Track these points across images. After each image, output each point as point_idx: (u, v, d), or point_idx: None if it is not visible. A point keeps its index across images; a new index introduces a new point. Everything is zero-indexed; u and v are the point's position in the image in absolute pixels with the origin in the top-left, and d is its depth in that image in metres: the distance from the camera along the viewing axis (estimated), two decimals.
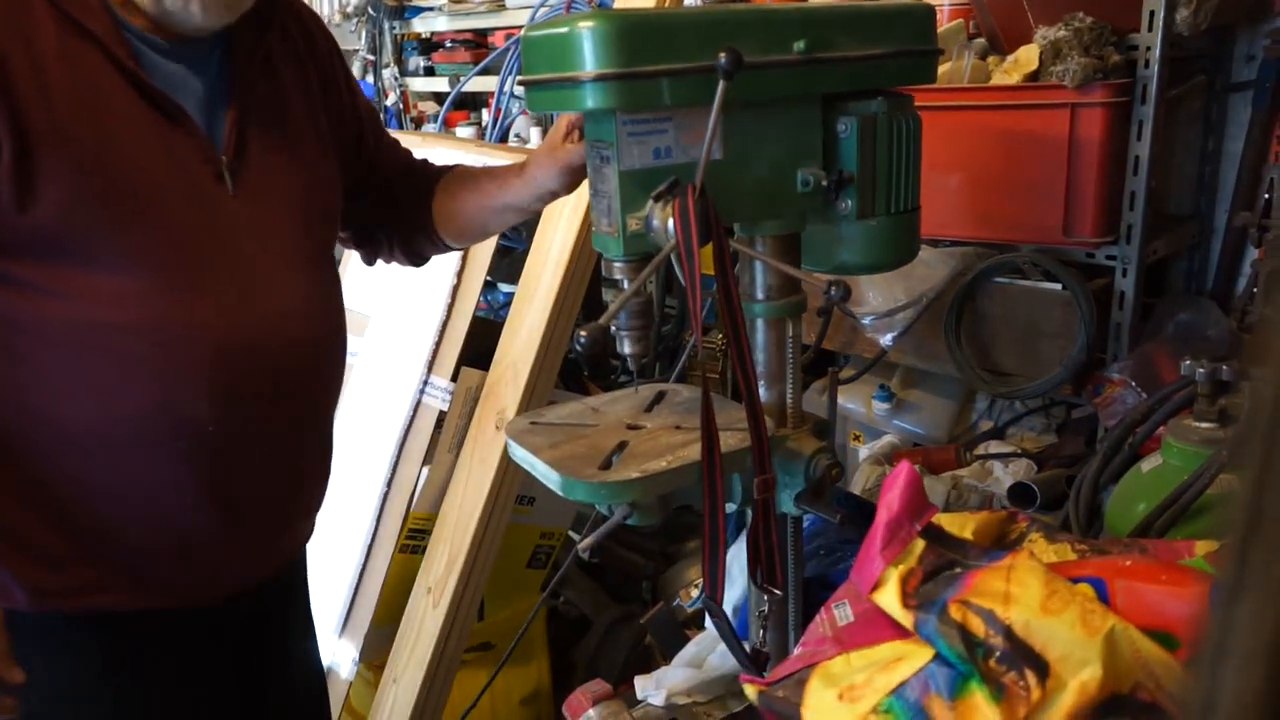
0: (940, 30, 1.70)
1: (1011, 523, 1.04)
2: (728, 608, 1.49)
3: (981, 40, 1.83)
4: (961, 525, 0.99)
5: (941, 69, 1.75)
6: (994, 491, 1.70)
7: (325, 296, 1.30)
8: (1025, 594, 0.82)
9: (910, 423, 1.99)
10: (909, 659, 0.86)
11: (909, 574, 0.89)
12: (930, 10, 1.19)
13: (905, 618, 0.87)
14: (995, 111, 1.71)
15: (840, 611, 0.97)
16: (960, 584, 0.86)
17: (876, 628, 0.92)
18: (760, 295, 1.17)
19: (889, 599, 0.88)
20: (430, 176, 1.46)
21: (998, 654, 0.81)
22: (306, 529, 1.41)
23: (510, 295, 2.32)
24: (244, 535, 1.25)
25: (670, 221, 1.00)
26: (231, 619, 1.32)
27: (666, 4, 1.89)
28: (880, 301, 1.83)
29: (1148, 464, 1.31)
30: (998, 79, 1.73)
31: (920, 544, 0.91)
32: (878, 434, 2.04)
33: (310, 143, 1.28)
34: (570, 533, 2.33)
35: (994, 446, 1.85)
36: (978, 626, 0.82)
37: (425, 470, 2.04)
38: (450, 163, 1.48)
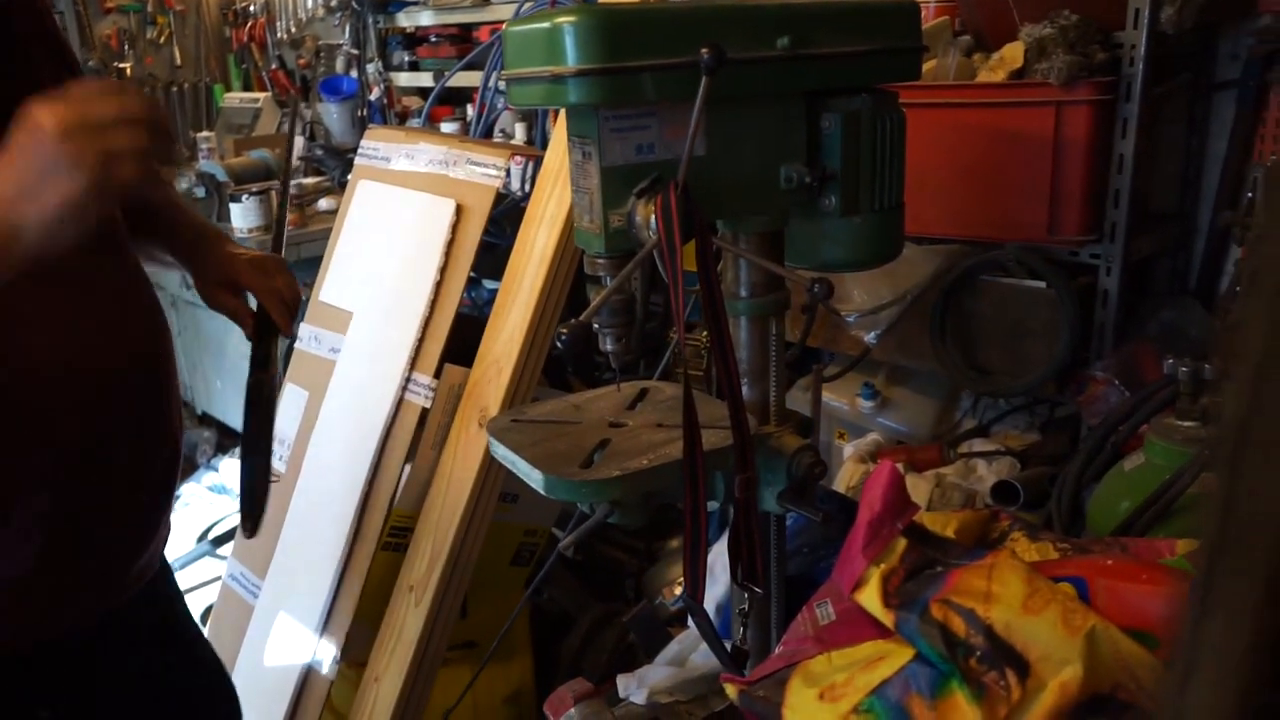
0: (926, 27, 1.70)
1: (994, 521, 1.03)
2: (710, 606, 1.48)
3: (967, 37, 1.83)
4: (944, 524, 0.99)
5: (926, 66, 1.74)
6: (977, 489, 1.70)
7: None
8: (1006, 593, 0.82)
9: (894, 420, 1.99)
10: (890, 658, 0.86)
11: (890, 573, 0.89)
12: (915, 7, 1.19)
13: (886, 617, 0.86)
14: (980, 109, 1.71)
15: (822, 610, 0.97)
16: (942, 583, 0.85)
17: (858, 627, 0.91)
18: (743, 293, 1.17)
19: (870, 598, 0.88)
20: None
21: (978, 653, 0.81)
22: None
23: (494, 292, 2.31)
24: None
25: (652, 218, 1.00)
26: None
27: None
28: (865, 299, 1.83)
29: (1130, 462, 1.31)
30: (983, 76, 1.73)
31: (902, 543, 0.91)
32: (862, 432, 2.03)
33: None
34: (554, 530, 2.32)
35: (978, 444, 1.85)
36: (959, 626, 0.82)
37: (407, 468, 2.03)
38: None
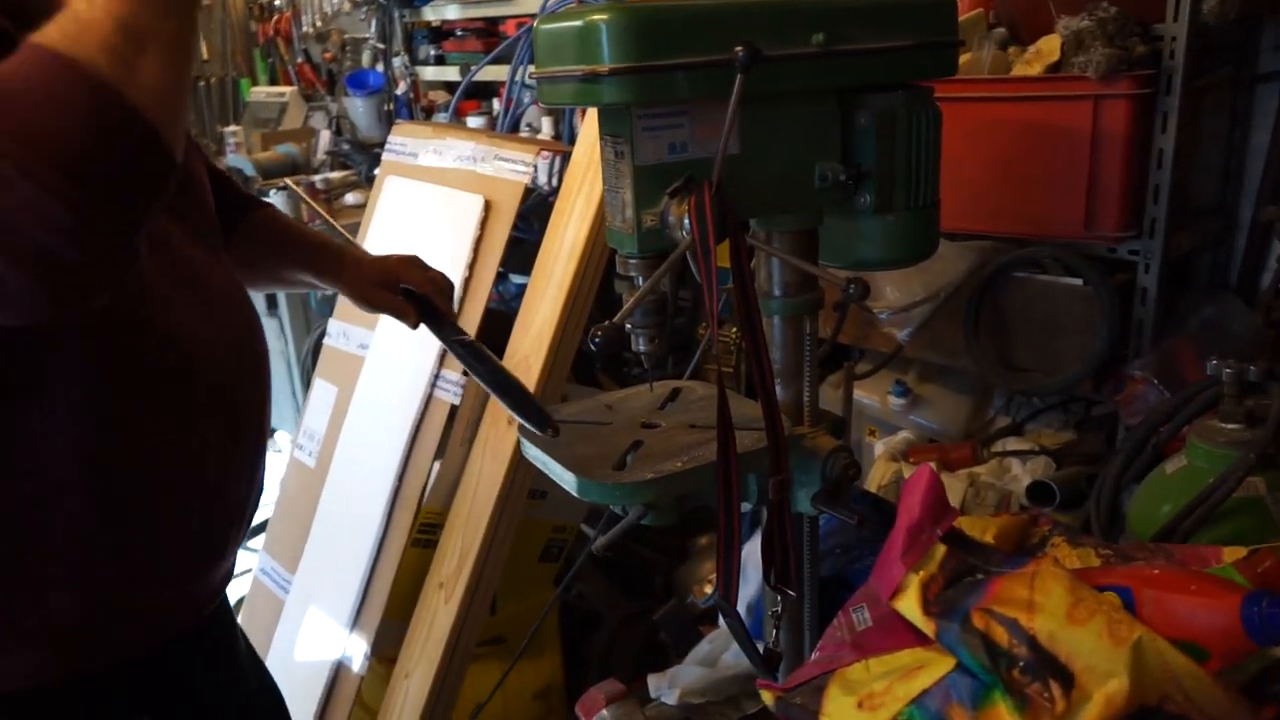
0: (960, 20, 1.67)
1: (1033, 526, 1.02)
2: (742, 606, 1.47)
3: (1002, 30, 1.80)
4: (982, 529, 0.97)
5: (961, 60, 1.72)
6: (1012, 489, 1.68)
7: None
8: (1050, 602, 0.80)
9: (926, 418, 1.97)
10: (930, 667, 0.84)
11: (930, 580, 0.88)
12: (951, 1, 1.17)
13: (926, 625, 0.85)
14: (1016, 103, 1.68)
15: (858, 616, 0.96)
16: (983, 591, 0.84)
17: (896, 634, 0.90)
18: (777, 292, 1.15)
19: (910, 606, 0.87)
20: (235, 204, 1.31)
21: (1022, 664, 0.79)
22: None
23: (522, 287, 2.31)
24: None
25: (686, 218, 0.98)
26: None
27: None
28: (897, 296, 1.81)
29: (1171, 465, 1.29)
30: (1018, 70, 1.70)
31: (941, 549, 0.89)
32: (893, 429, 2.01)
33: None
34: (583, 526, 2.31)
35: (1012, 443, 1.82)
36: (1001, 636, 0.81)
37: (437, 465, 2.03)
38: (267, 198, 1.43)
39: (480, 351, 1.18)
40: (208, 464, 1.04)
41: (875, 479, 1.82)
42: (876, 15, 1.09)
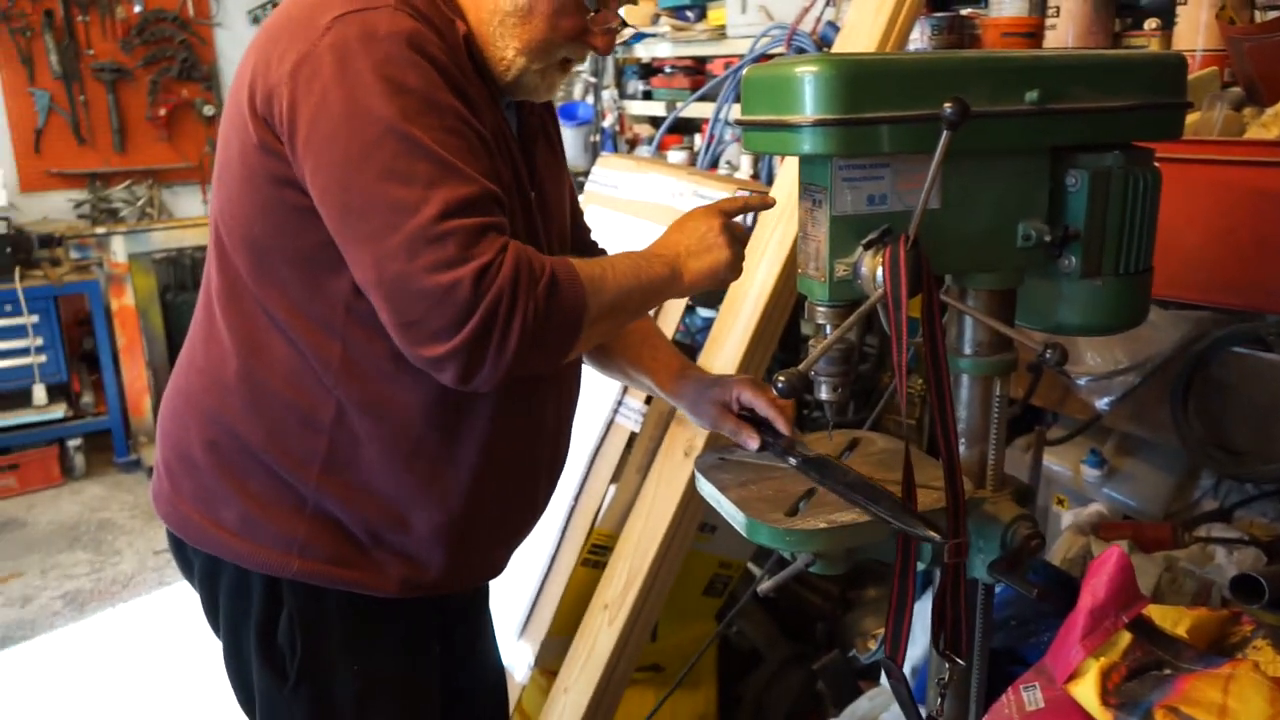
0: (1191, 78, 1.59)
1: (1234, 624, 0.95)
2: (906, 668, 1.43)
3: (1237, 90, 1.69)
4: (1175, 620, 0.91)
5: (1189, 118, 1.62)
6: (1213, 579, 1.55)
7: None
8: (1245, 711, 0.75)
9: (1122, 493, 1.86)
10: None
11: (1111, 668, 0.83)
12: (1182, 61, 1.11)
13: (1104, 715, 0.81)
14: (1247, 167, 1.57)
15: (1029, 695, 0.92)
16: (1169, 688, 0.79)
17: (1068, 719, 0.86)
18: (968, 350, 1.13)
19: (1086, 693, 0.83)
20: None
21: None
22: None
23: (709, 320, 2.33)
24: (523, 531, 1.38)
25: (879, 270, 0.98)
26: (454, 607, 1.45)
27: (891, 42, 1.86)
28: (1098, 362, 1.72)
29: None
30: (1254, 133, 1.59)
31: (1126, 637, 0.85)
32: (1084, 501, 1.91)
33: (561, 195, 1.37)
34: (750, 565, 2.31)
35: (1217, 530, 1.69)
36: None
37: (612, 489, 2.08)
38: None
39: (833, 467, 1.16)
40: (539, 474, 1.33)
41: (1060, 552, 1.73)
42: (1097, 74, 1.06)
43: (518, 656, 2.10)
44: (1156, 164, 1.10)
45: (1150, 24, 1.90)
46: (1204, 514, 1.76)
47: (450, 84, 1.07)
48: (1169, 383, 1.68)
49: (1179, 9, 1.81)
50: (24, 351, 4.12)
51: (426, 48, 1.06)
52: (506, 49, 1.17)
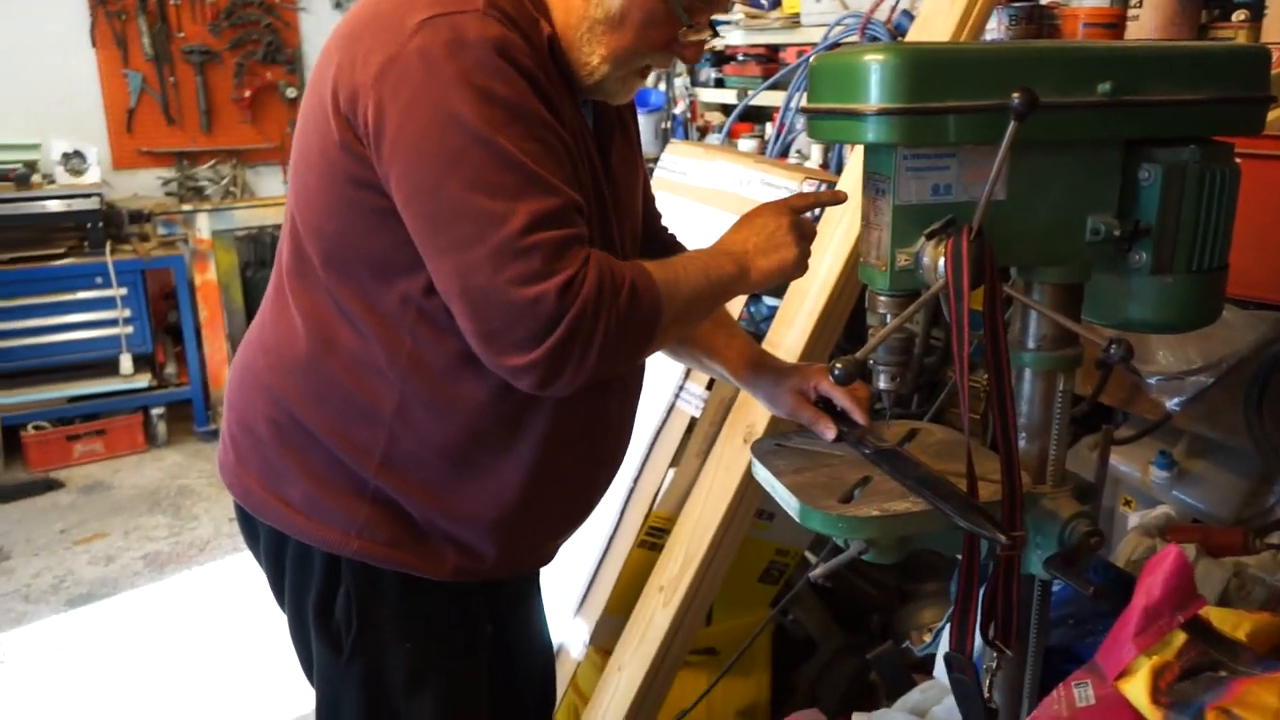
0: (1276, 72, 1.54)
1: None
2: None
3: None
4: (1235, 624, 0.90)
5: (1272, 114, 1.57)
6: None
7: None
8: None
9: (1192, 496, 1.82)
10: None
11: (1164, 667, 0.83)
12: (1265, 54, 1.08)
13: (1154, 714, 0.80)
14: None
15: (1080, 691, 0.92)
16: (1223, 690, 0.78)
17: (1118, 717, 0.85)
18: (1031, 344, 1.12)
19: (1137, 691, 0.82)
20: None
21: None
22: None
23: (773, 309, 2.33)
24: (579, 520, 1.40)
25: (941, 261, 0.98)
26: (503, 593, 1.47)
27: (966, 31, 1.83)
28: (1170, 361, 1.69)
29: None
30: None
31: (1181, 637, 0.84)
32: (1152, 503, 1.87)
33: (634, 187, 1.37)
34: (806, 553, 2.31)
35: None
36: None
37: (671, 472, 2.10)
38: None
39: (904, 459, 1.16)
40: (598, 468, 1.35)
41: (1125, 553, 1.70)
42: (1172, 67, 1.04)
43: (573, 634, 2.13)
44: (1237, 159, 1.07)
45: (1238, 15, 1.84)
46: (1277, 520, 1.71)
47: (537, 91, 1.07)
48: (1243, 384, 1.64)
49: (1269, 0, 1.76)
50: (113, 323, 4.28)
51: (514, 55, 1.05)
52: (592, 55, 1.16)
